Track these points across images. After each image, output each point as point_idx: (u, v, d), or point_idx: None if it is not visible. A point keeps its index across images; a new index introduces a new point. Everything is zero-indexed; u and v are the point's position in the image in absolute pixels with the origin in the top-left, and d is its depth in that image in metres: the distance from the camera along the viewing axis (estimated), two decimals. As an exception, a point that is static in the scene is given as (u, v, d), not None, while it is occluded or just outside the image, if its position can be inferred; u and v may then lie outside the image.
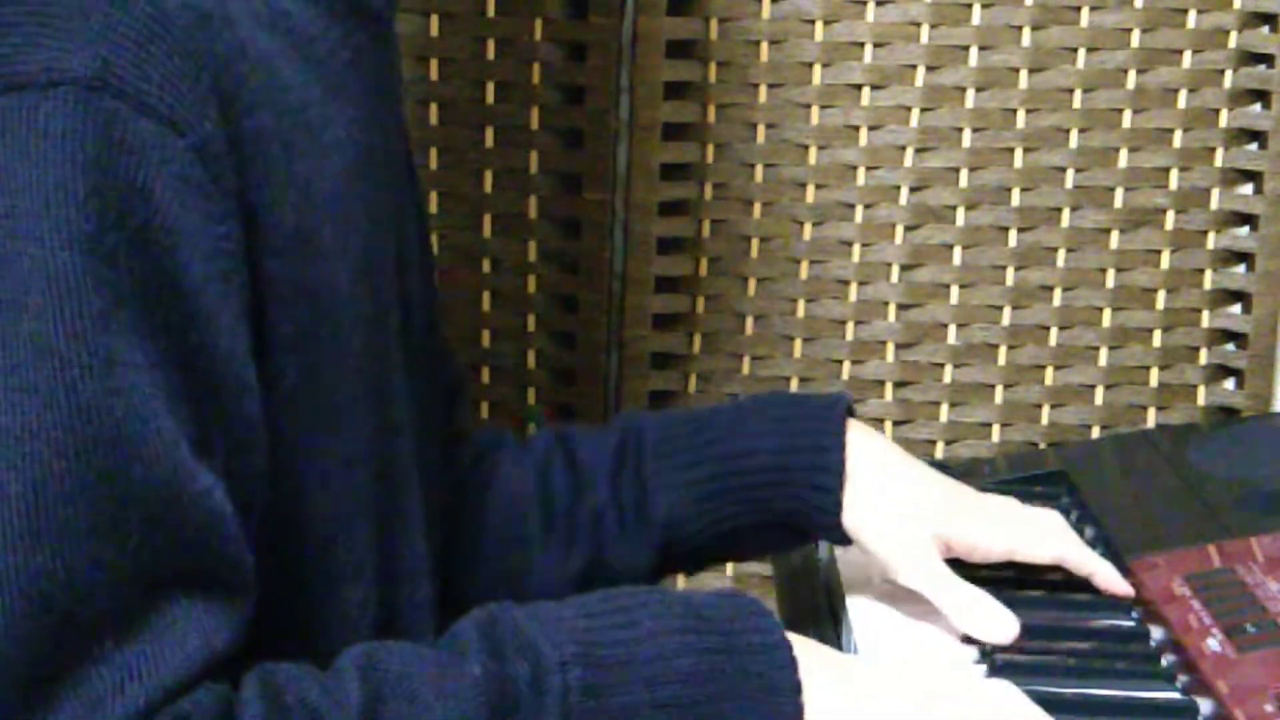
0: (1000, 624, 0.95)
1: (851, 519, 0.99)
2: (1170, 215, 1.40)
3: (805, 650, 0.79)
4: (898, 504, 0.99)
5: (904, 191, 1.39)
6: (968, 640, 0.96)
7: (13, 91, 0.69)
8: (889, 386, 1.42)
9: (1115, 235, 1.40)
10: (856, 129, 1.37)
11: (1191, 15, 1.36)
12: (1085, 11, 1.36)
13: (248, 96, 0.76)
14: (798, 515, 1.01)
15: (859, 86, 1.37)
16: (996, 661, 0.91)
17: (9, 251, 0.68)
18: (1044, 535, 1.01)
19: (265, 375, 0.78)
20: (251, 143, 0.76)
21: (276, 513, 0.80)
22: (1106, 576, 1.00)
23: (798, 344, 1.41)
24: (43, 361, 0.68)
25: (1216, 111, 1.38)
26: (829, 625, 1.02)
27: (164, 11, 0.72)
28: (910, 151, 1.38)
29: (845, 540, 1.00)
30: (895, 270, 1.40)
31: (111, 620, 0.69)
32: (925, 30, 1.36)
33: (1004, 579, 1.02)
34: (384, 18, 0.91)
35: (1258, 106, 1.38)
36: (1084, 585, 1.02)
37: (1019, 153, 1.39)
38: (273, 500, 0.79)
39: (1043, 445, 1.41)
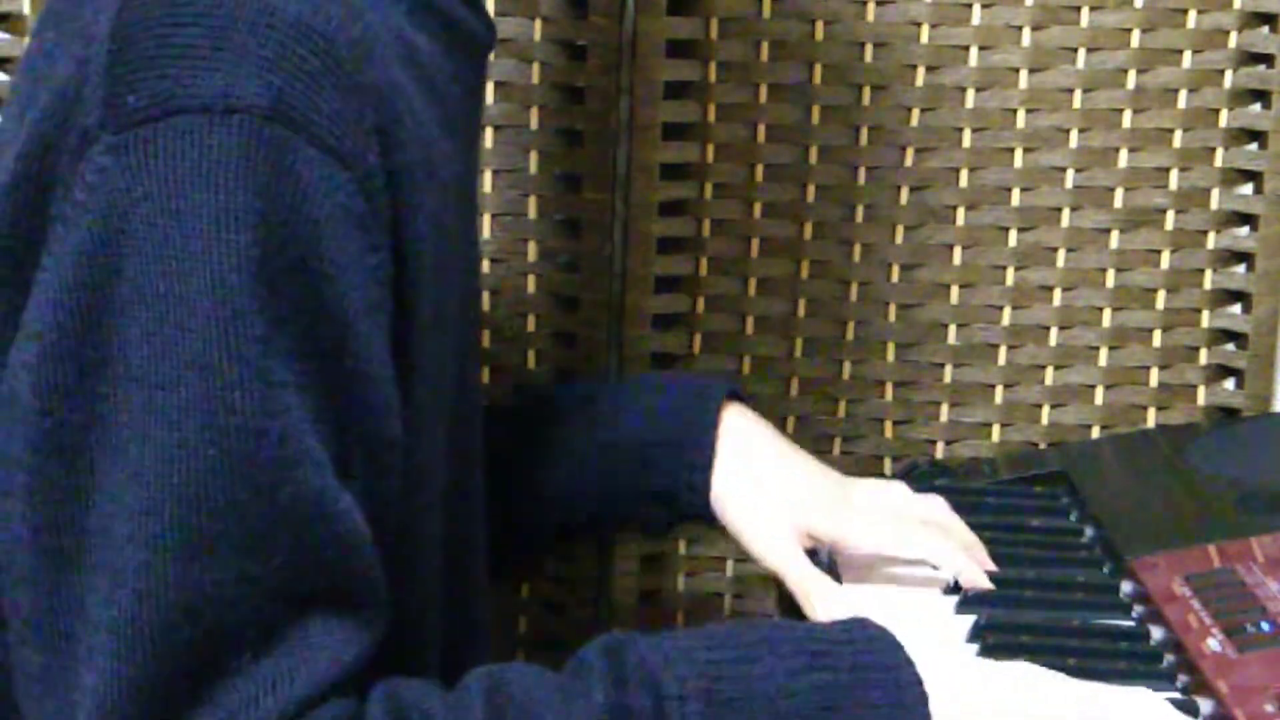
0: (850, 603, 0.97)
1: (716, 500, 1.03)
2: (1170, 215, 1.40)
3: (936, 671, 0.79)
4: (761, 491, 1.03)
5: (904, 191, 1.39)
6: (962, 605, 0.98)
7: (188, 114, 0.70)
8: (889, 386, 1.42)
9: (1115, 235, 1.40)
10: (857, 129, 1.37)
11: (1191, 15, 1.36)
12: (1085, 11, 1.36)
13: (401, 132, 0.78)
14: (667, 493, 1.05)
15: (859, 86, 1.37)
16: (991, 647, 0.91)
17: (177, 270, 0.70)
18: (914, 531, 1.03)
19: (402, 405, 0.79)
20: (403, 176, 0.78)
21: (393, 535, 0.81)
22: (969, 578, 1.01)
23: (798, 343, 1.41)
24: (204, 381, 0.70)
25: (1216, 111, 1.38)
26: None
27: (336, 46, 0.73)
28: (910, 151, 1.38)
29: (713, 520, 1.04)
30: (895, 270, 1.40)
31: (252, 634, 0.71)
32: (925, 30, 1.36)
33: (1003, 579, 1.02)
34: (485, 52, 0.94)
35: (1258, 106, 1.38)
36: (1083, 586, 1.03)
37: (1019, 153, 1.38)
38: (399, 519, 0.81)
39: (1043, 445, 1.41)
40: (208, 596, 0.70)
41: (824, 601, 0.97)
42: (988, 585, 1.01)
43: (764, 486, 1.03)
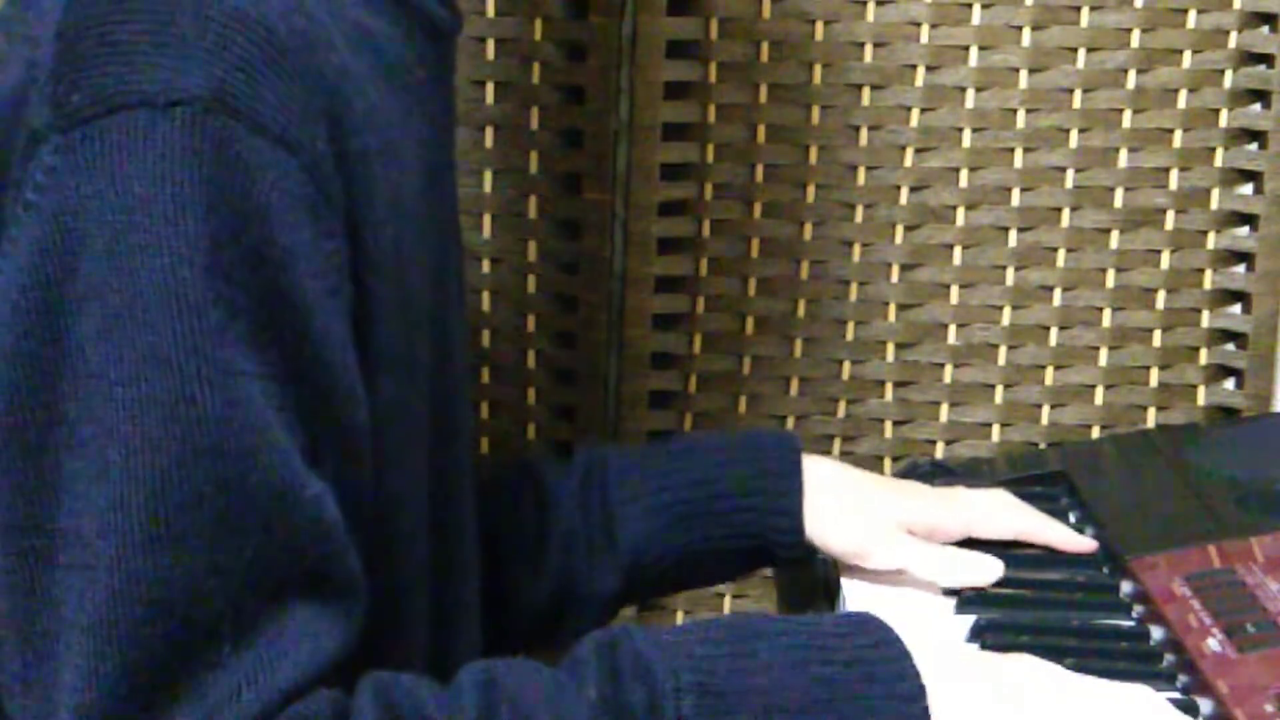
0: (982, 568, 1.03)
1: (815, 531, 1.05)
2: (1170, 215, 1.40)
3: (937, 667, 0.79)
4: (854, 507, 1.06)
5: (904, 191, 1.39)
6: (962, 605, 1.00)
7: (131, 109, 0.70)
8: (889, 386, 1.42)
9: (1115, 235, 1.40)
10: (857, 129, 1.37)
11: (1191, 15, 1.36)
12: (1085, 11, 1.36)
13: (352, 118, 0.78)
14: (761, 540, 1.06)
15: (859, 86, 1.37)
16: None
17: (128, 266, 0.70)
18: (998, 512, 1.08)
19: (367, 388, 0.79)
20: (356, 162, 0.78)
21: (369, 522, 0.81)
22: (1065, 539, 1.07)
23: (798, 344, 1.41)
24: (163, 374, 0.70)
25: (1216, 111, 1.38)
26: (824, 604, 1.07)
27: (278, 35, 0.73)
28: (910, 151, 1.38)
29: (804, 557, 1.07)
30: (895, 270, 1.40)
31: (229, 626, 0.71)
32: (925, 30, 1.36)
33: (1003, 579, 1.02)
34: (452, 37, 0.93)
35: (1258, 106, 1.38)
36: (1083, 586, 1.02)
37: (1019, 153, 1.38)
38: (374, 506, 0.81)
39: (1043, 445, 1.41)
40: (180, 590, 0.70)
41: (962, 570, 1.03)
42: (1092, 546, 1.06)
43: (853, 506, 1.06)
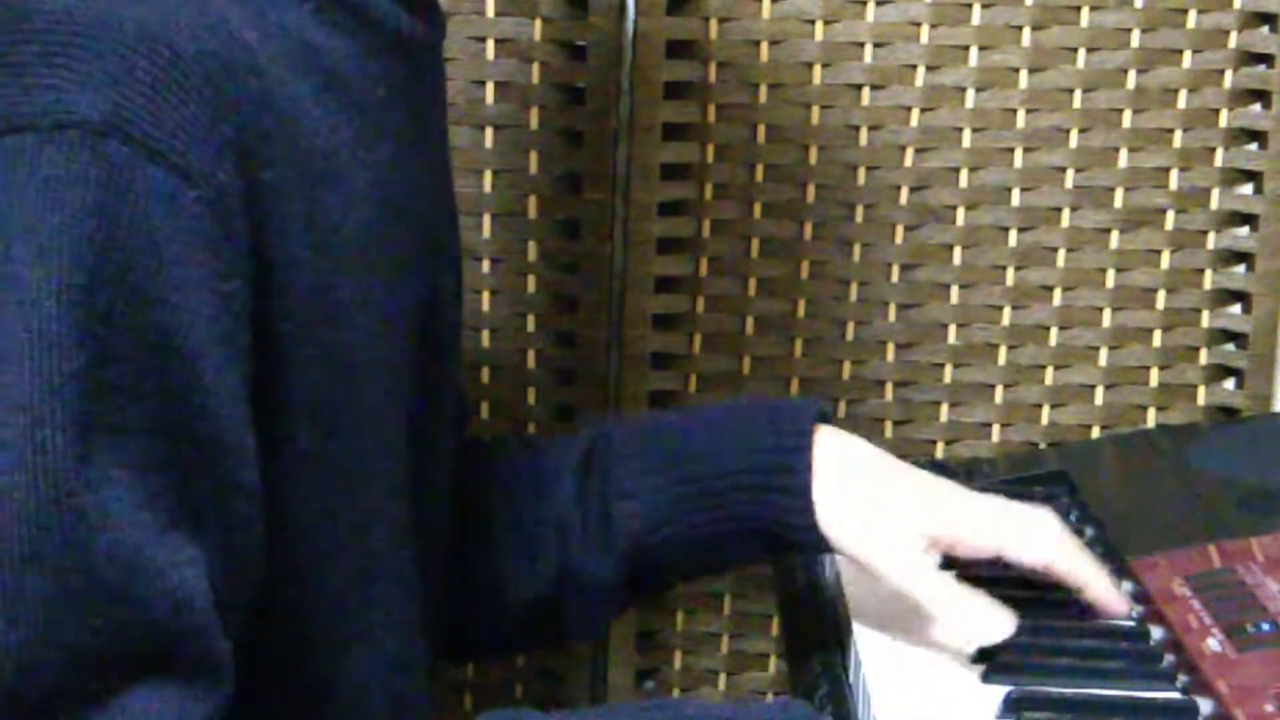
0: (995, 622, 0.91)
1: (828, 523, 0.93)
2: (1170, 215, 1.40)
3: None
4: (876, 504, 0.93)
5: (904, 191, 1.39)
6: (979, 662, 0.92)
7: (16, 133, 0.66)
8: (889, 386, 1.42)
9: (1115, 235, 1.40)
10: (856, 129, 1.37)
11: (1191, 15, 1.36)
12: (1085, 11, 1.36)
13: (269, 148, 0.72)
14: (769, 522, 0.95)
15: (859, 86, 1.37)
16: (996, 662, 0.91)
17: (0, 299, 0.65)
18: (1035, 537, 0.95)
19: (273, 440, 0.74)
20: (271, 196, 0.72)
21: (288, 576, 0.77)
22: (1098, 593, 0.95)
23: (798, 344, 1.41)
24: (16, 416, 0.65)
25: (1216, 111, 1.38)
26: (835, 653, 0.98)
27: (183, 57, 0.69)
28: (910, 151, 1.38)
29: (826, 547, 0.95)
30: (895, 270, 1.40)
31: (66, 699, 0.66)
32: (925, 30, 1.36)
33: (1002, 578, 1.02)
34: (428, 46, 0.87)
35: (1258, 106, 1.38)
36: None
37: (1019, 153, 1.38)
38: (284, 564, 0.76)
39: (1043, 445, 1.41)
40: (10, 656, 0.64)
41: (962, 617, 0.90)
42: (1124, 610, 0.95)
43: (875, 501, 0.94)
